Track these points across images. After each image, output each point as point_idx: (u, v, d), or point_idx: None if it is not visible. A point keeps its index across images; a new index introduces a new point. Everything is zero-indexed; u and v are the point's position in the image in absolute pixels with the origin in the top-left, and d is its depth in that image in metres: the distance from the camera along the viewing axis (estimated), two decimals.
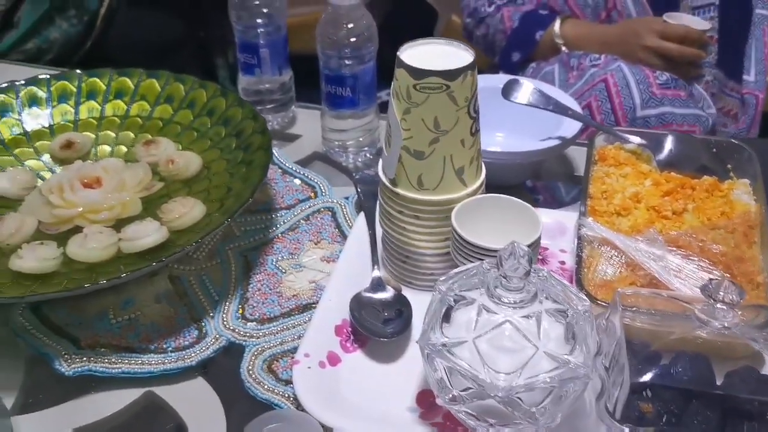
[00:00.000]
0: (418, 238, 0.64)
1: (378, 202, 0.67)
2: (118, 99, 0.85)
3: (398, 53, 0.60)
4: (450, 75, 0.57)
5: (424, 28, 1.80)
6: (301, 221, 0.78)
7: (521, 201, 0.62)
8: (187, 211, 0.69)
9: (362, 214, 0.74)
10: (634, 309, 0.54)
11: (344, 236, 0.75)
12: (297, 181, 0.83)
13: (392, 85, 0.61)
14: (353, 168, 0.88)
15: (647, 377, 0.48)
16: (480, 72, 0.61)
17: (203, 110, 0.83)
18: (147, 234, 0.66)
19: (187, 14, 1.58)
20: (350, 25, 0.79)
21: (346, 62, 0.81)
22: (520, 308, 0.49)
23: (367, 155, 0.88)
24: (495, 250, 0.57)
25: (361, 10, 0.80)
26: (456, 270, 0.55)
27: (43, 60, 1.31)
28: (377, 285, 0.66)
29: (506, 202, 0.63)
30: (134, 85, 0.86)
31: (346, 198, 0.81)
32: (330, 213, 0.79)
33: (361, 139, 0.86)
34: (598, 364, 0.51)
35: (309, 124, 0.95)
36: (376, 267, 0.68)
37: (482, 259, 0.57)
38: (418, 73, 0.57)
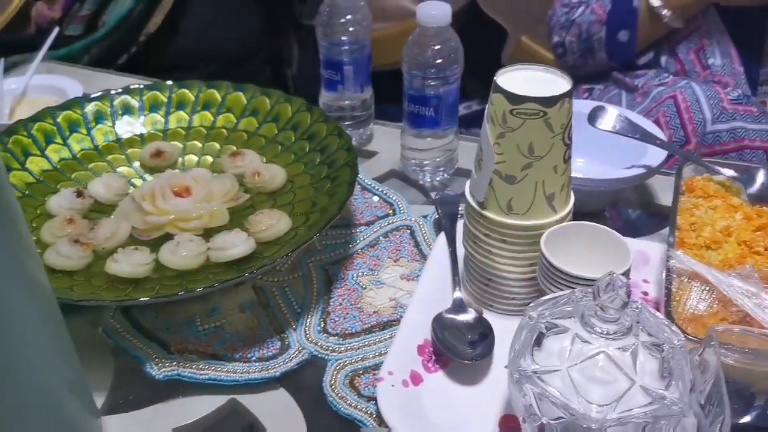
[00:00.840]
0: (503, 262, 0.64)
1: (462, 223, 0.68)
2: (205, 110, 0.88)
3: (495, 78, 0.60)
4: (548, 102, 0.57)
5: (493, 48, 1.81)
6: (381, 238, 0.78)
7: (610, 229, 0.62)
8: (273, 223, 0.71)
9: (443, 234, 0.74)
10: (728, 346, 0.53)
11: (423, 255, 0.76)
12: (375, 198, 0.84)
13: (486, 109, 0.61)
14: (429, 187, 0.88)
15: (748, 418, 0.47)
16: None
17: (288, 124, 0.85)
18: (235, 244, 0.68)
19: (257, 25, 1.61)
20: (437, 46, 0.80)
21: (431, 83, 0.82)
22: (615, 340, 0.49)
23: (444, 175, 0.88)
24: (587, 279, 0.57)
25: (449, 32, 0.80)
26: (546, 297, 0.55)
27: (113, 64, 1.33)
28: (459, 306, 0.66)
29: (595, 230, 0.62)
30: (221, 97, 0.88)
31: (424, 217, 0.82)
32: (408, 231, 0.80)
33: (438, 159, 0.87)
34: (693, 401, 0.50)
35: (386, 141, 0.96)
36: (457, 288, 0.68)
37: (572, 287, 0.56)
38: (515, 99, 0.58)
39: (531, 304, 0.55)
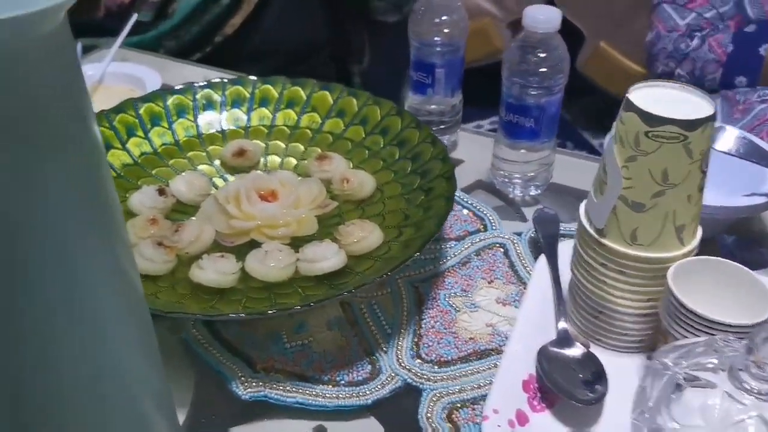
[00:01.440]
0: (619, 295, 0.59)
1: (572, 249, 0.62)
2: (289, 108, 0.84)
3: (627, 95, 0.55)
4: (691, 125, 0.52)
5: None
6: (472, 256, 0.74)
7: (746, 269, 0.56)
8: (365, 235, 0.66)
9: (543, 257, 0.69)
10: None
11: (519, 278, 0.71)
12: (465, 211, 0.79)
13: (615, 128, 0.56)
14: (520, 201, 0.83)
15: None
16: None
17: (376, 128, 0.80)
18: (326, 257, 0.64)
19: (325, 20, 1.58)
20: (542, 54, 0.75)
21: (532, 92, 0.76)
22: None
23: (537, 190, 0.83)
24: (727, 325, 0.51)
25: (556, 39, 0.75)
26: (679, 343, 0.50)
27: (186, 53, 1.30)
28: (564, 339, 0.61)
29: (726, 267, 0.57)
30: (306, 95, 0.84)
31: (518, 234, 0.76)
32: (502, 250, 0.75)
33: (532, 173, 0.82)
34: None
35: (473, 150, 0.91)
36: (562, 318, 0.63)
37: (708, 333, 0.51)
38: (652, 120, 0.52)
39: (661, 349, 0.49)
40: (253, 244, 0.68)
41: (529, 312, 0.64)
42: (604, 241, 0.58)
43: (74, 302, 0.38)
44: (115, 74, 0.98)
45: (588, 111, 1.76)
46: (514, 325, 0.63)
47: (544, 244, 0.70)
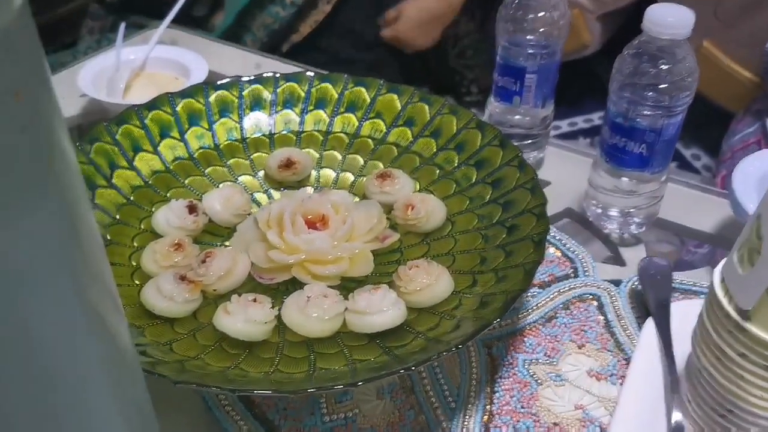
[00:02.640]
0: (760, 395, 0.45)
1: (699, 324, 0.49)
2: (349, 113, 0.71)
3: None
4: None
5: None
6: (560, 310, 0.60)
7: None
8: (431, 283, 0.54)
9: (650, 323, 0.55)
10: None
11: (617, 343, 0.57)
12: (552, 250, 0.66)
13: None
14: (618, 240, 0.69)
15: None
16: None
17: (450, 143, 0.67)
18: (382, 309, 0.51)
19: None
20: (665, 66, 0.60)
21: (646, 111, 0.62)
22: None
23: (641, 228, 0.69)
24: None
25: (685, 48, 0.60)
26: None
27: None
28: None
29: None
30: (371, 98, 0.71)
31: (615, 284, 0.63)
32: (596, 302, 0.61)
33: (635, 208, 0.67)
34: None
35: (563, 170, 0.77)
36: (676, 409, 0.49)
37: None
38: None
39: None
40: (295, 283, 0.56)
41: (632, 398, 0.50)
42: (749, 326, 0.43)
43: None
44: (159, 59, 0.88)
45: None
46: (613, 414, 0.49)
47: (655, 308, 0.56)
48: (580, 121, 1.68)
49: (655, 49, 0.60)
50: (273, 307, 0.52)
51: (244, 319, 0.50)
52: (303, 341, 0.51)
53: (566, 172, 0.77)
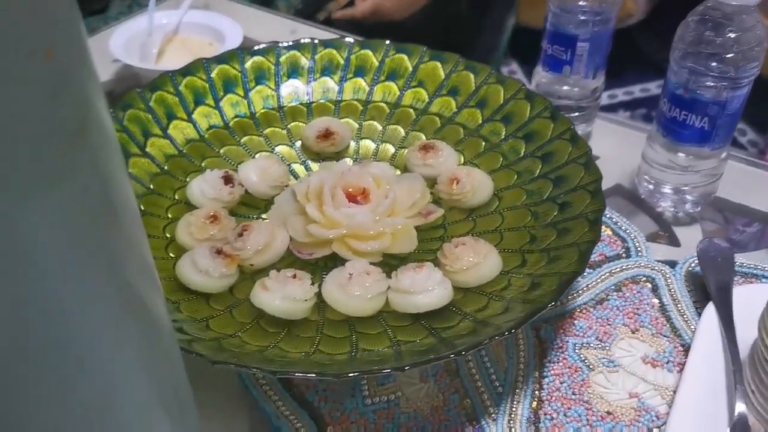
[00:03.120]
0: None
1: (766, 309, 0.45)
2: (390, 81, 0.68)
3: None
4: None
5: None
6: (611, 291, 0.57)
7: None
8: (478, 261, 0.51)
9: (711, 308, 0.52)
10: None
11: (673, 327, 0.54)
12: (603, 228, 0.62)
13: None
14: (671, 219, 0.66)
15: None
16: None
17: (497, 114, 0.64)
18: (427, 288, 0.49)
19: None
20: (733, 34, 0.56)
21: (710, 83, 0.58)
22: None
23: (696, 207, 0.65)
24: None
25: (754, 16, 0.56)
26: None
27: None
28: (744, 430, 0.45)
29: None
30: (413, 66, 0.68)
31: (671, 265, 0.59)
32: (650, 285, 0.58)
33: (688, 187, 0.64)
34: None
35: (613, 144, 0.74)
36: (740, 400, 0.46)
37: None
38: None
39: None
40: (335, 259, 0.54)
41: (692, 387, 0.48)
42: None
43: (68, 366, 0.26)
44: (192, 24, 0.85)
45: None
46: (672, 404, 0.47)
47: (715, 293, 0.53)
48: (620, 94, 1.62)
49: (721, 16, 0.56)
50: (313, 284, 0.50)
51: (283, 296, 0.48)
52: (344, 320, 0.49)
53: (616, 147, 0.73)
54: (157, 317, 0.30)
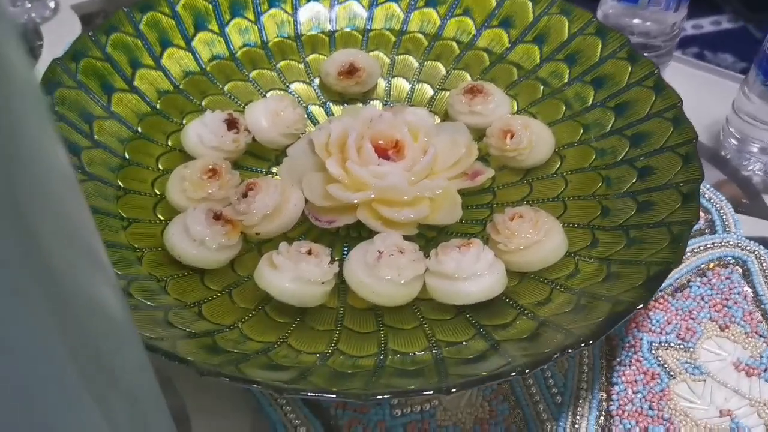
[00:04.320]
0: None
1: None
2: (430, 7, 0.57)
3: None
4: None
5: None
6: (694, 276, 0.47)
7: None
8: (539, 239, 0.41)
9: None
10: None
11: None
12: None
13: None
14: (761, 186, 0.55)
15: None
16: None
17: (561, 51, 0.52)
18: (475, 272, 0.39)
19: None
20: None
21: None
22: None
23: None
24: None
25: None
26: None
27: None
28: None
29: None
30: None
31: (765, 244, 0.49)
32: (740, 269, 0.48)
33: None
34: None
35: (688, 93, 0.61)
36: None
37: None
38: None
39: None
40: (360, 228, 0.44)
41: None
42: None
43: None
44: None
45: None
46: None
47: None
48: (689, 27, 1.47)
49: None
50: (332, 262, 0.40)
51: (295, 276, 0.38)
52: (369, 308, 0.40)
53: (695, 95, 0.61)
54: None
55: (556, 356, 0.32)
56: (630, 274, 0.37)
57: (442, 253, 0.40)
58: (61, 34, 0.67)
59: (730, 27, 1.56)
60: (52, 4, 0.69)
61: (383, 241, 0.40)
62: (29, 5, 0.68)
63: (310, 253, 0.39)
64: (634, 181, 0.44)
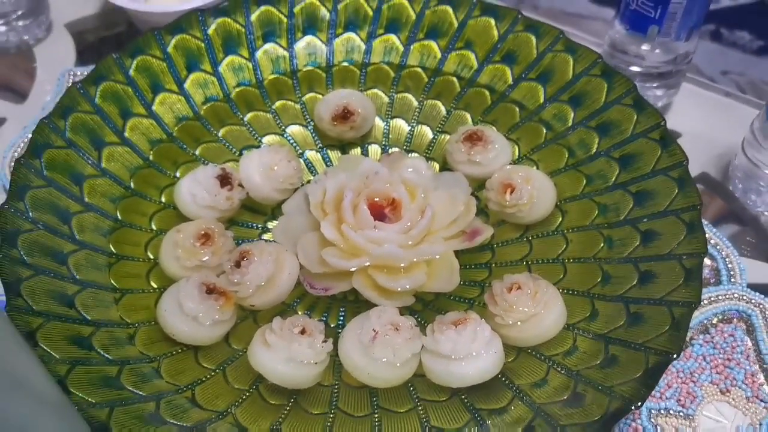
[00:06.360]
0: None
1: None
2: (430, 39, 0.55)
3: None
4: None
5: None
6: (697, 333, 0.46)
7: None
8: (536, 312, 0.40)
9: None
10: None
11: None
12: None
13: None
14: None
15: None
16: None
17: (565, 91, 0.50)
18: (471, 353, 0.38)
19: None
20: None
21: None
22: None
23: None
24: None
25: None
26: None
27: None
28: None
29: None
30: (458, 22, 0.54)
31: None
32: (744, 324, 0.47)
33: None
34: None
35: (698, 118, 0.60)
36: None
37: None
38: None
39: None
40: (357, 293, 0.43)
41: None
42: None
43: None
44: None
45: None
46: None
47: None
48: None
49: None
50: (326, 340, 0.39)
51: (288, 358, 0.38)
52: (364, 387, 0.39)
53: (705, 121, 0.60)
54: None
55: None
56: (628, 360, 0.37)
57: (438, 330, 0.39)
58: (55, 55, 0.66)
59: (748, 2, 1.52)
60: (45, 23, 0.67)
61: (378, 318, 0.39)
62: (21, 24, 0.66)
63: (303, 332, 0.39)
64: (636, 244, 0.43)
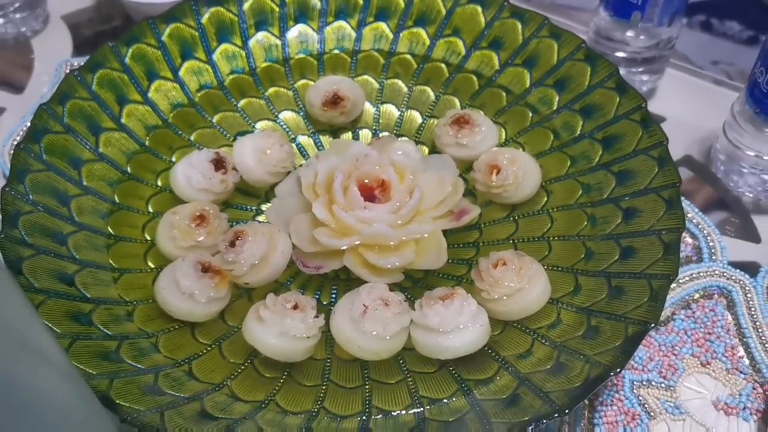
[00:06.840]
0: None
1: None
2: (419, 27, 0.56)
3: None
4: None
5: None
6: (678, 308, 0.48)
7: None
8: (522, 287, 0.41)
9: None
10: None
11: (753, 361, 0.45)
12: None
13: None
14: (751, 206, 0.55)
15: None
16: None
17: (550, 76, 0.52)
18: (458, 326, 0.40)
19: None
20: None
21: None
22: None
23: None
24: None
25: None
26: None
27: None
28: None
29: None
30: (447, 9, 0.55)
31: (750, 272, 0.49)
32: (724, 300, 0.48)
33: None
34: None
35: (681, 102, 0.62)
36: None
37: None
38: None
39: None
40: (348, 272, 0.44)
41: None
42: None
43: None
44: None
45: None
46: None
47: None
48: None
49: None
50: (318, 315, 0.41)
51: (281, 331, 0.39)
52: (356, 359, 0.41)
53: (688, 105, 0.61)
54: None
55: (532, 427, 0.33)
56: (609, 331, 0.38)
57: (426, 305, 0.40)
58: (52, 47, 0.67)
59: None
60: (42, 16, 0.68)
61: (369, 293, 0.41)
62: (18, 16, 0.67)
63: (296, 308, 0.40)
64: (618, 222, 0.44)
